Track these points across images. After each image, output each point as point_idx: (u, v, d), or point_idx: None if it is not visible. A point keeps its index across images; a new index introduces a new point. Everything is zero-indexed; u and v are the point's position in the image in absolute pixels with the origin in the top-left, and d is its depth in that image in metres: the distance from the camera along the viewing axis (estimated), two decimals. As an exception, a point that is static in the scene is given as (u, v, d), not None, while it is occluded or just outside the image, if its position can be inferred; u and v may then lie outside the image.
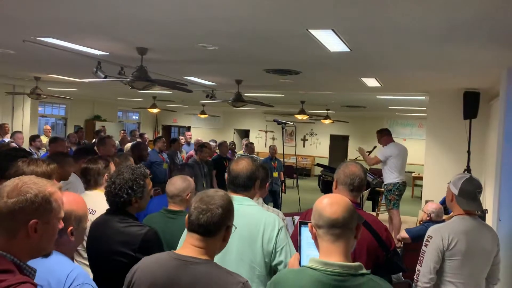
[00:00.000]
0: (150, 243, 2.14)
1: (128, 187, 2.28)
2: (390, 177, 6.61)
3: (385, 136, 6.82)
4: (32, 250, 1.38)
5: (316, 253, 1.65)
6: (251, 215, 2.30)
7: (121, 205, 2.28)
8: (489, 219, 4.62)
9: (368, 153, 7.39)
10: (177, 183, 2.70)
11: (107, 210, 2.35)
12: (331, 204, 1.61)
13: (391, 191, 6.62)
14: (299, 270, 1.61)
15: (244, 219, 2.25)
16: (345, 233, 1.58)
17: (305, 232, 1.90)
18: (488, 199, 5.08)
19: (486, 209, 4.96)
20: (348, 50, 4.31)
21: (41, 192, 1.36)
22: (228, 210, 1.75)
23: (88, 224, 2.69)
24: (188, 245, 1.72)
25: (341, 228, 1.58)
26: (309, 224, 1.67)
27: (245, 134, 18.54)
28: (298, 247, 1.90)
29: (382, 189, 8.22)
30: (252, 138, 17.82)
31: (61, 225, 1.45)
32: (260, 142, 17.95)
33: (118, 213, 2.29)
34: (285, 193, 7.57)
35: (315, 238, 1.64)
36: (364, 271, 1.56)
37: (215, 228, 1.70)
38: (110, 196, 2.30)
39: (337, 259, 1.56)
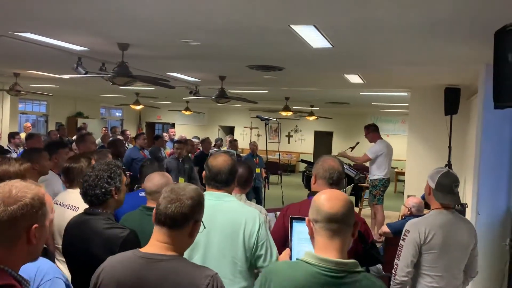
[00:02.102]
0: (131, 246, 2.09)
1: (107, 176, 2.24)
2: (378, 173, 6.64)
3: (371, 132, 6.84)
4: (29, 256, 1.34)
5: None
6: (232, 211, 2.30)
7: (102, 197, 2.23)
8: (469, 213, 4.70)
9: (351, 149, 7.43)
10: (155, 179, 2.67)
11: (85, 210, 2.29)
12: (330, 199, 1.59)
13: (376, 187, 6.67)
14: (294, 262, 1.59)
15: (225, 215, 2.25)
16: (342, 229, 1.56)
17: (297, 228, 1.91)
18: (467, 194, 5.16)
19: (466, 203, 5.04)
20: (331, 46, 4.32)
21: (36, 195, 1.33)
22: (198, 204, 1.70)
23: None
24: (154, 242, 1.66)
25: (339, 224, 1.55)
26: (306, 219, 1.64)
27: (230, 130, 18.51)
28: (289, 243, 1.90)
29: (365, 185, 8.28)
30: (237, 134, 17.79)
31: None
32: (245, 138, 17.93)
33: (97, 212, 2.23)
34: (268, 189, 7.58)
35: (311, 233, 1.62)
36: (359, 268, 1.55)
37: (183, 220, 1.64)
38: (90, 190, 2.23)
39: (333, 255, 1.54)
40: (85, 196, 2.26)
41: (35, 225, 1.30)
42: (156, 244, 1.65)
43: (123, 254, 1.73)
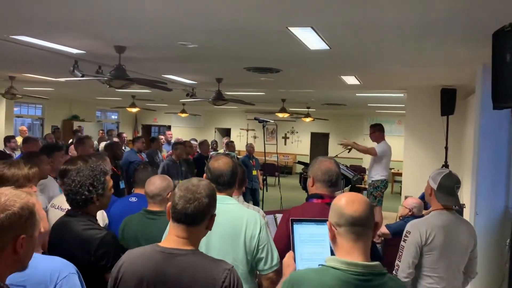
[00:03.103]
0: (107, 247, 2.11)
1: (89, 184, 2.23)
2: (380, 174, 6.56)
3: (377, 132, 6.62)
4: (14, 266, 1.30)
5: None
6: (233, 213, 2.29)
7: (82, 203, 2.24)
8: (467, 213, 4.70)
9: (348, 150, 7.36)
10: (157, 183, 2.66)
11: (67, 211, 2.30)
12: (352, 202, 1.59)
13: (377, 188, 6.57)
14: (321, 269, 1.57)
15: (226, 218, 2.24)
16: (366, 231, 1.57)
17: (298, 230, 1.91)
18: (465, 194, 5.16)
19: (464, 204, 5.05)
20: (328, 48, 4.33)
21: (26, 205, 1.28)
22: (213, 199, 1.78)
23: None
24: (172, 237, 1.72)
25: (363, 227, 1.56)
26: (327, 223, 1.63)
27: (226, 132, 18.49)
28: (291, 245, 1.90)
29: (363, 186, 8.26)
30: (234, 136, 17.77)
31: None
32: (242, 140, 17.92)
33: (78, 214, 2.24)
34: (266, 190, 7.57)
35: (333, 237, 1.61)
36: (384, 270, 1.56)
37: (202, 217, 1.72)
38: (71, 195, 2.24)
39: (358, 258, 1.54)
40: (66, 197, 2.29)
41: (22, 236, 1.26)
42: (174, 239, 1.71)
43: (142, 248, 1.78)
